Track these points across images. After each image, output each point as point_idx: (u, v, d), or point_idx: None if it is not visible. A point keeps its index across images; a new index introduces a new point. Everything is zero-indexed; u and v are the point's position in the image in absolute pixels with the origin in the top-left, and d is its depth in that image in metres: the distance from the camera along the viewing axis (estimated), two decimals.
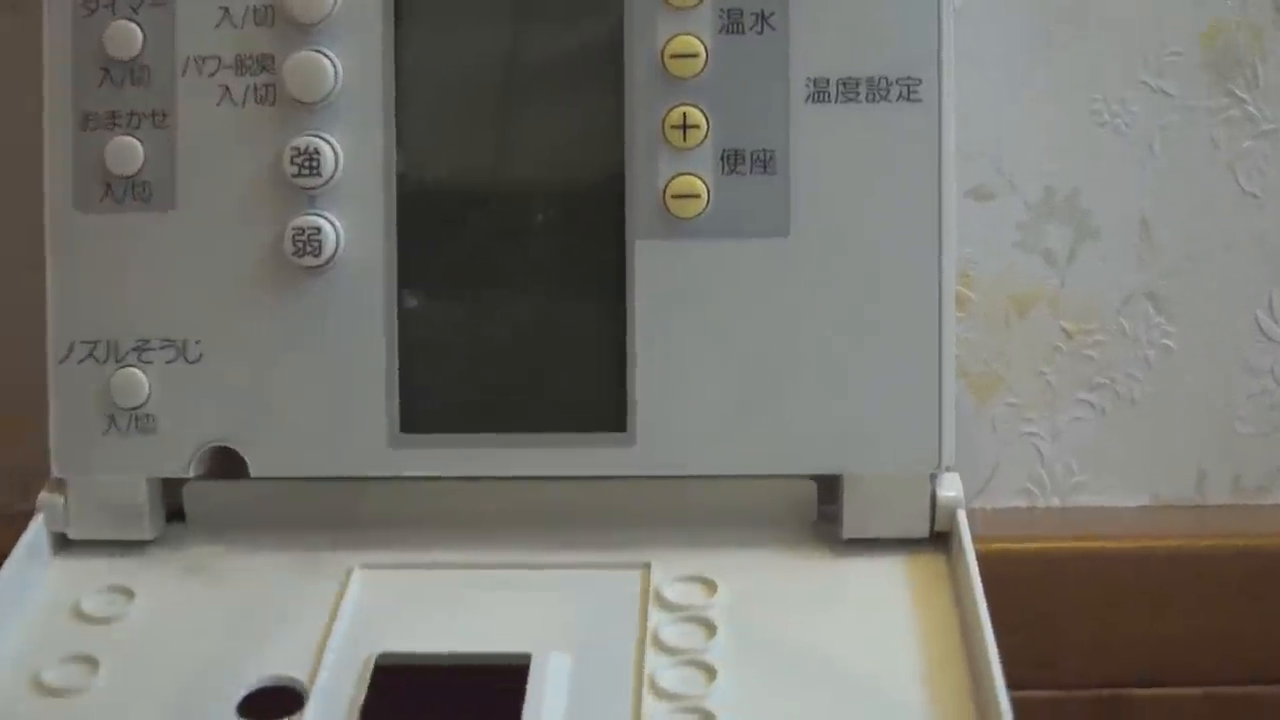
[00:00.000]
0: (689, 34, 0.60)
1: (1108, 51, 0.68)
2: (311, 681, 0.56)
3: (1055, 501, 0.71)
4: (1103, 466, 0.71)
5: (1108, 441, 0.71)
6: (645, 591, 0.59)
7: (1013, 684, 0.54)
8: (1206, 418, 0.71)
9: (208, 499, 0.63)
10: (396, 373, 0.62)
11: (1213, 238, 0.69)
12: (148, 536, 0.63)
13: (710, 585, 0.60)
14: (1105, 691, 0.68)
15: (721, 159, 0.61)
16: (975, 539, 0.60)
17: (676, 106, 0.60)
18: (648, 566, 0.60)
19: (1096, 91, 0.68)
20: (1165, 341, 0.70)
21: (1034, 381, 0.70)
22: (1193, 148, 0.69)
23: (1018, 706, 0.53)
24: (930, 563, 0.61)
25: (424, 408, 0.62)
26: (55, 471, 0.63)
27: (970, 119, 0.66)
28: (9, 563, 0.60)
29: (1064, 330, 0.70)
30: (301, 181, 0.61)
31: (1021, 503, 0.71)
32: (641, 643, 0.57)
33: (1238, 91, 0.68)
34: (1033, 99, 0.68)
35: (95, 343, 0.62)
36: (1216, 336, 0.70)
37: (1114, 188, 0.69)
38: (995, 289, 0.69)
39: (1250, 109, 0.68)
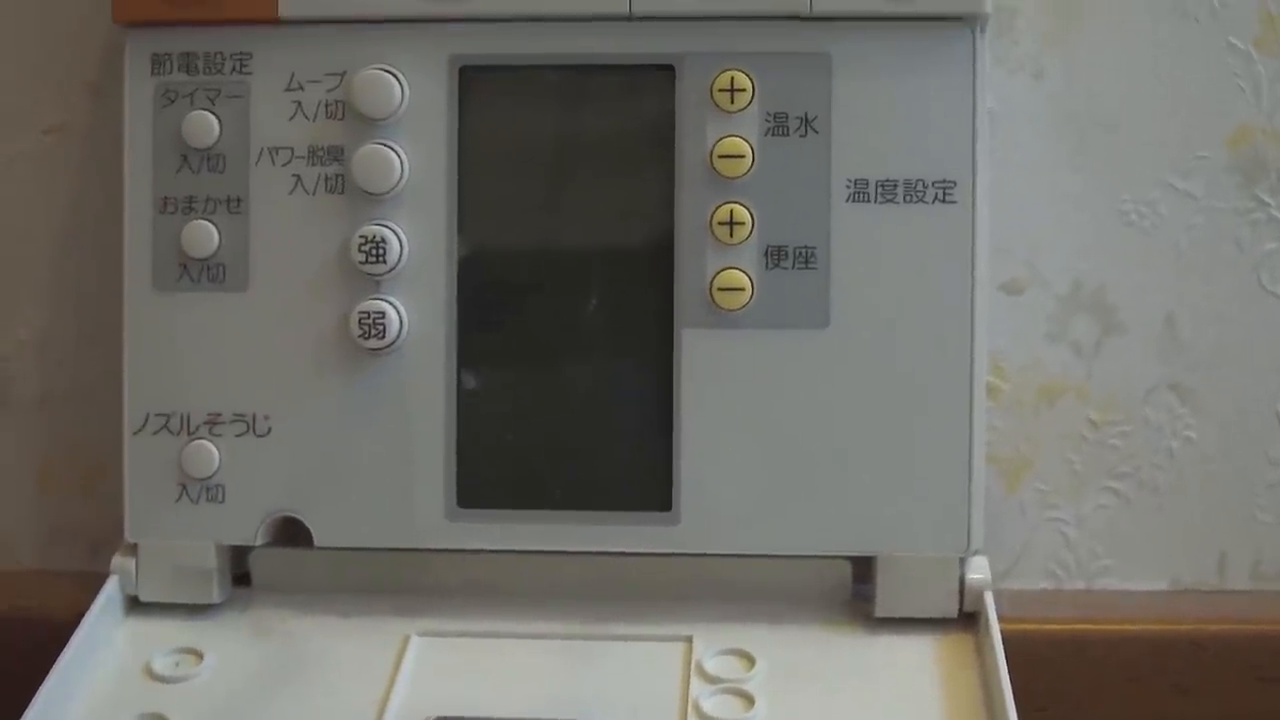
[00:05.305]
0: (736, 136, 0.62)
1: (1136, 154, 0.69)
2: None
3: (1080, 584, 0.71)
4: (1126, 551, 0.71)
5: (1131, 527, 0.71)
6: (687, 663, 0.61)
7: None
8: (1227, 506, 0.71)
9: (273, 566, 0.65)
10: (454, 450, 0.63)
11: (1235, 334, 0.70)
12: (215, 600, 0.64)
13: (749, 659, 0.61)
14: None
15: (765, 254, 0.62)
16: (1002, 619, 0.61)
17: (723, 204, 0.62)
18: (690, 640, 0.62)
19: (1125, 192, 0.69)
20: (1188, 433, 0.70)
21: (1061, 468, 0.70)
22: (1217, 248, 0.69)
23: None
24: (958, 642, 0.62)
25: (480, 484, 0.63)
26: (129, 536, 0.64)
27: (1004, 217, 0.67)
28: (84, 623, 0.62)
29: (1090, 420, 0.70)
30: (368, 268, 0.63)
31: (1047, 584, 0.71)
32: (683, 712, 0.58)
33: (1262, 195, 0.69)
34: (1064, 199, 0.69)
35: (169, 415, 0.64)
36: (1237, 428, 0.70)
37: (1140, 284, 0.69)
38: (1025, 379, 0.70)
39: (1274, 212, 0.69)
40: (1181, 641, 0.68)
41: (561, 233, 0.64)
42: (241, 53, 0.64)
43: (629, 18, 0.63)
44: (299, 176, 0.64)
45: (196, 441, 0.64)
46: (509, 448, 0.64)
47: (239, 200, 0.64)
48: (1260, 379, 0.71)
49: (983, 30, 0.62)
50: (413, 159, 0.63)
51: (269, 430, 0.64)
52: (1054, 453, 0.71)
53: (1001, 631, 0.60)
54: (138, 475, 0.64)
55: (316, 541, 0.64)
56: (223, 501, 0.64)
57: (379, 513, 0.64)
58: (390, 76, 0.63)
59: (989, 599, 0.62)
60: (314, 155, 0.64)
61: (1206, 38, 0.69)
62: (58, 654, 0.60)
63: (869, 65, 0.62)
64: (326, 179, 0.64)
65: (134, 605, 0.65)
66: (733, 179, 0.62)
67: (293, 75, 0.64)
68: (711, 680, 0.60)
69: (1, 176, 0.71)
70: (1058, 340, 0.70)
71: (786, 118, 0.62)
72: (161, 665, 0.62)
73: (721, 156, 0.62)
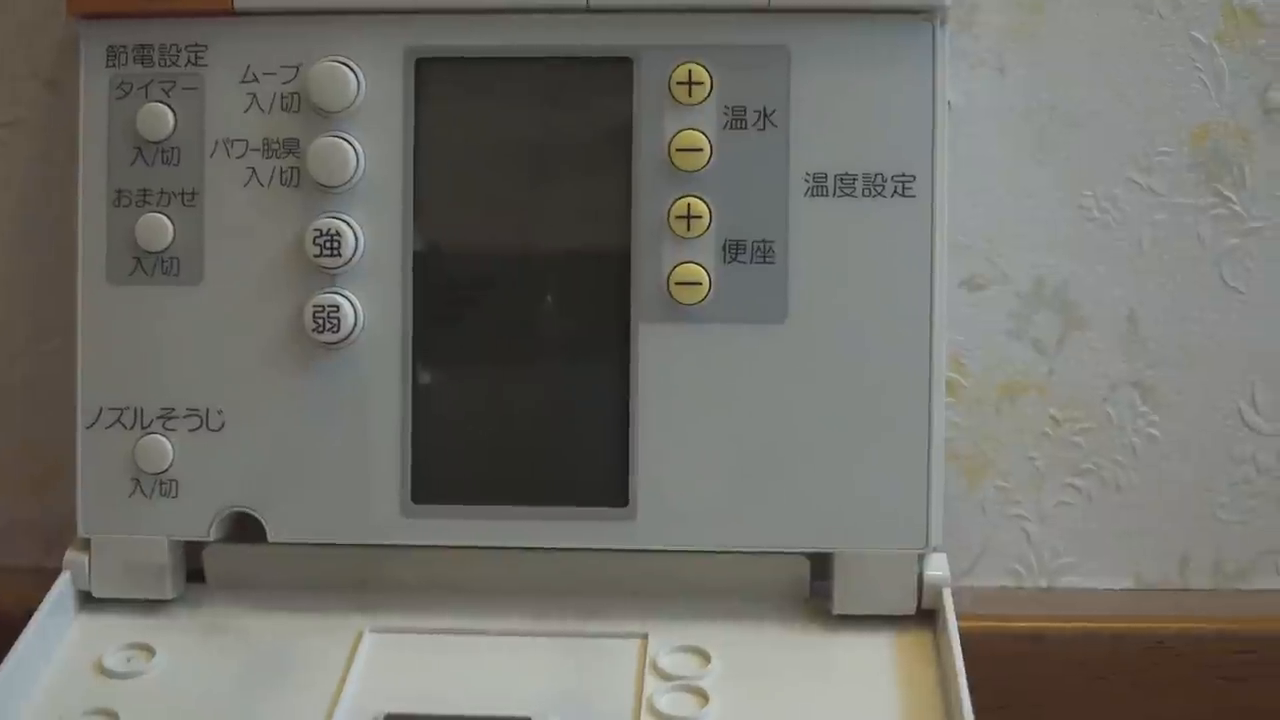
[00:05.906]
0: (694, 129, 0.62)
1: (1098, 150, 0.68)
2: None
3: (1041, 582, 0.71)
4: (1087, 549, 0.71)
5: (1093, 525, 0.70)
6: (642, 660, 0.60)
7: None
8: (1189, 504, 0.71)
9: (226, 561, 0.64)
10: (410, 446, 0.63)
11: (1197, 330, 0.69)
12: (168, 596, 0.64)
13: (704, 656, 0.61)
14: None
15: (723, 248, 0.62)
16: (962, 617, 0.61)
17: (681, 198, 0.62)
18: (645, 637, 0.61)
19: (1087, 188, 0.69)
20: (1150, 430, 0.70)
21: (1023, 466, 0.70)
22: (1179, 244, 0.69)
23: None
24: (916, 639, 0.61)
25: (435, 479, 0.63)
26: (81, 531, 0.64)
27: (965, 213, 0.67)
28: (35, 618, 0.61)
29: (1052, 417, 0.70)
30: (323, 261, 0.62)
31: (1008, 583, 0.71)
32: (637, 710, 0.58)
33: (1224, 191, 0.69)
34: (1026, 195, 0.69)
35: (122, 409, 0.63)
36: (1200, 426, 0.70)
37: (1103, 281, 0.69)
38: (986, 376, 0.70)
39: (1236, 207, 0.69)
40: (1143, 640, 0.68)
41: (518, 226, 0.64)
42: (196, 45, 0.63)
43: (587, 10, 0.62)
44: (254, 169, 0.63)
45: (150, 436, 0.63)
46: (465, 443, 0.64)
47: (193, 193, 0.64)
48: (1223, 376, 0.70)
49: (943, 23, 0.62)
50: (368, 152, 0.63)
51: (223, 425, 0.63)
52: (1015, 450, 0.71)
53: (961, 629, 0.60)
54: (90, 470, 0.64)
55: (270, 537, 0.63)
56: (176, 496, 0.64)
57: (333, 508, 0.63)
58: (346, 69, 0.62)
59: (947, 596, 0.61)
60: (269, 148, 0.63)
61: (1169, 33, 0.68)
62: (9, 649, 0.60)
63: (828, 58, 0.62)
64: (281, 172, 0.63)
65: (86, 601, 0.64)
66: (691, 172, 0.62)
67: (248, 67, 0.63)
68: (666, 677, 0.60)
69: None
70: (1019, 337, 0.70)
71: (745, 111, 0.62)
72: (113, 661, 0.61)
73: (679, 150, 0.62)
